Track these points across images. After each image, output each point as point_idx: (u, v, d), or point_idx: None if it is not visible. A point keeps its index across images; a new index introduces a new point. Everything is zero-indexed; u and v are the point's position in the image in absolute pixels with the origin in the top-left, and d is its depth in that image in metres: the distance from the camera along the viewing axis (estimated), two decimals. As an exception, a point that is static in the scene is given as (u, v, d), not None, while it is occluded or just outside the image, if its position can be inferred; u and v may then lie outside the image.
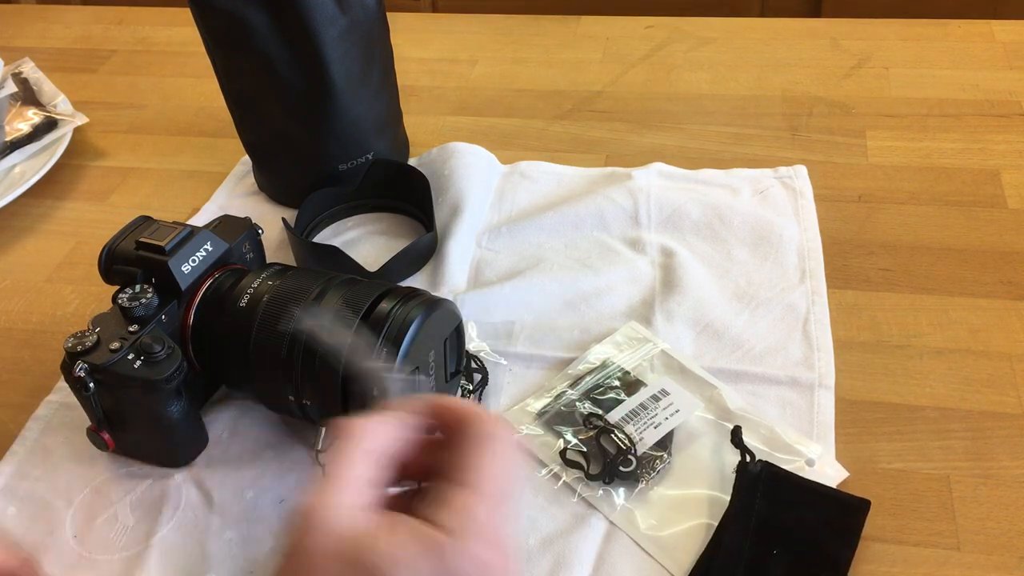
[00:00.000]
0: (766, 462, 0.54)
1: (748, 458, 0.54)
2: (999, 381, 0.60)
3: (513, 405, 0.61)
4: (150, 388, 0.52)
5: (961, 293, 0.67)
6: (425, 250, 0.73)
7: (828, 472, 0.55)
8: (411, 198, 0.77)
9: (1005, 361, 0.62)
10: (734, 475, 0.54)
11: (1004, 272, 0.68)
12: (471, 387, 0.61)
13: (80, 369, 0.52)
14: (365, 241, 0.76)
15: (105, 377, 0.52)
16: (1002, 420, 0.58)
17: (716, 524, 0.52)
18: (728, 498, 0.53)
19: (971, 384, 0.60)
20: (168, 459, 0.58)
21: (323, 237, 0.77)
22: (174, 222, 0.58)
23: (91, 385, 0.52)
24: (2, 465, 0.59)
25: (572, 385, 0.61)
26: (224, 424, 0.60)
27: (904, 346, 0.63)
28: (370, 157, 0.77)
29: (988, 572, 0.50)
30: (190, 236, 0.56)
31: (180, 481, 0.57)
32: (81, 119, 0.90)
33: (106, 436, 0.56)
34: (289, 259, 0.73)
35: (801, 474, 0.54)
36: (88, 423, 0.56)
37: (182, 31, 1.10)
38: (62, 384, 0.64)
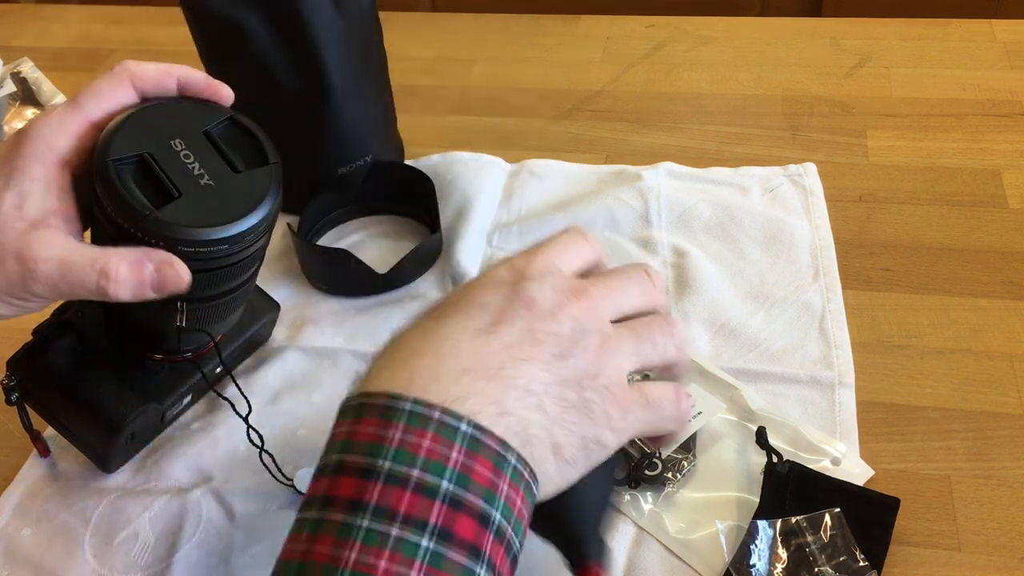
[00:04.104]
0: (793, 462, 0.54)
1: (775, 459, 0.55)
2: (1000, 381, 0.60)
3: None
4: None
5: (962, 293, 0.67)
6: (433, 251, 0.73)
7: (855, 471, 0.55)
8: (414, 199, 0.77)
9: (1006, 361, 0.62)
10: (761, 476, 0.54)
11: (1005, 272, 0.68)
12: None
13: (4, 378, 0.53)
14: (369, 244, 0.76)
15: (23, 370, 0.53)
16: (1003, 420, 0.58)
17: (746, 526, 0.52)
18: (756, 499, 0.53)
19: (972, 384, 0.60)
20: (98, 459, 0.57)
21: (326, 241, 0.76)
22: None
23: (14, 397, 0.53)
24: (14, 485, 0.59)
25: None
26: (241, 436, 0.58)
27: (904, 346, 0.63)
28: (368, 160, 0.77)
29: (989, 572, 0.51)
30: None
31: (199, 496, 0.57)
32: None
33: (39, 445, 0.57)
34: (292, 265, 0.73)
35: (828, 473, 0.54)
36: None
37: (181, 31, 1.10)
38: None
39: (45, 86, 0.95)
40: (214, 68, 0.73)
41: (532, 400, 0.34)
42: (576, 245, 0.41)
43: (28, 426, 0.56)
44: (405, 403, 0.32)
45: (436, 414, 0.32)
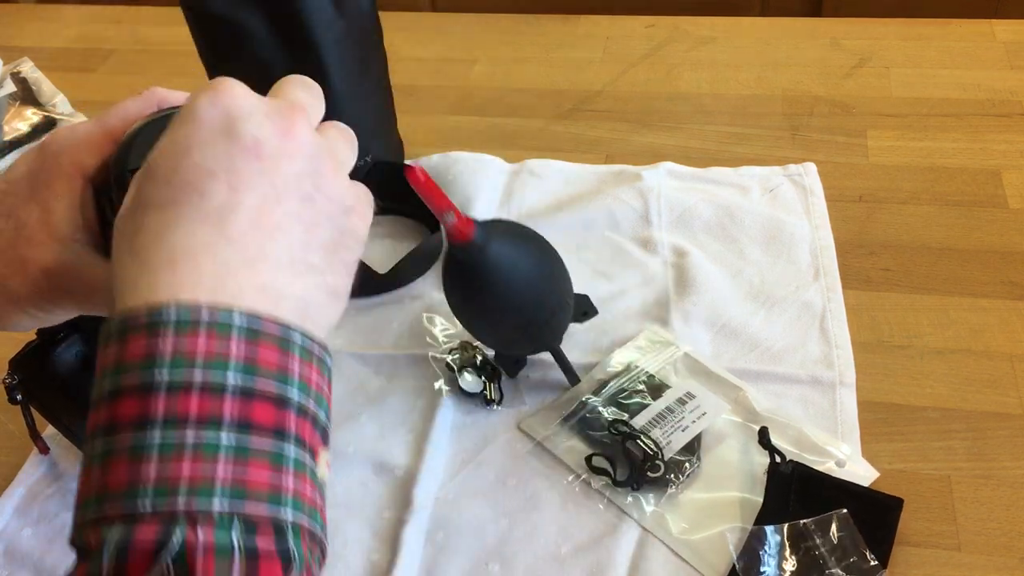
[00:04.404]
0: (797, 462, 0.54)
1: (778, 459, 0.55)
2: (1000, 381, 0.60)
3: (536, 411, 0.61)
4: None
5: (961, 293, 0.67)
6: (433, 251, 0.73)
7: (859, 472, 0.55)
8: (413, 199, 0.77)
9: (1006, 361, 0.62)
10: (765, 477, 0.54)
11: (1005, 272, 0.68)
12: (491, 396, 0.61)
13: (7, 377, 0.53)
14: (370, 244, 0.75)
15: (25, 370, 0.53)
16: (1003, 420, 0.58)
17: (750, 527, 0.52)
18: (760, 500, 0.53)
19: (972, 384, 0.60)
20: None
21: (325, 239, 0.76)
22: None
23: (19, 397, 0.53)
24: (14, 485, 0.59)
25: (596, 391, 0.61)
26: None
27: (904, 346, 0.63)
28: (368, 160, 0.77)
29: (989, 572, 0.51)
30: None
31: None
32: (80, 119, 0.90)
33: (39, 443, 0.57)
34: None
35: (832, 474, 0.54)
36: None
37: (181, 30, 1.10)
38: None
39: (45, 86, 0.95)
40: (214, 68, 0.73)
41: (300, 267, 0.34)
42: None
43: (31, 425, 0.56)
44: (170, 311, 0.30)
45: (205, 315, 0.30)
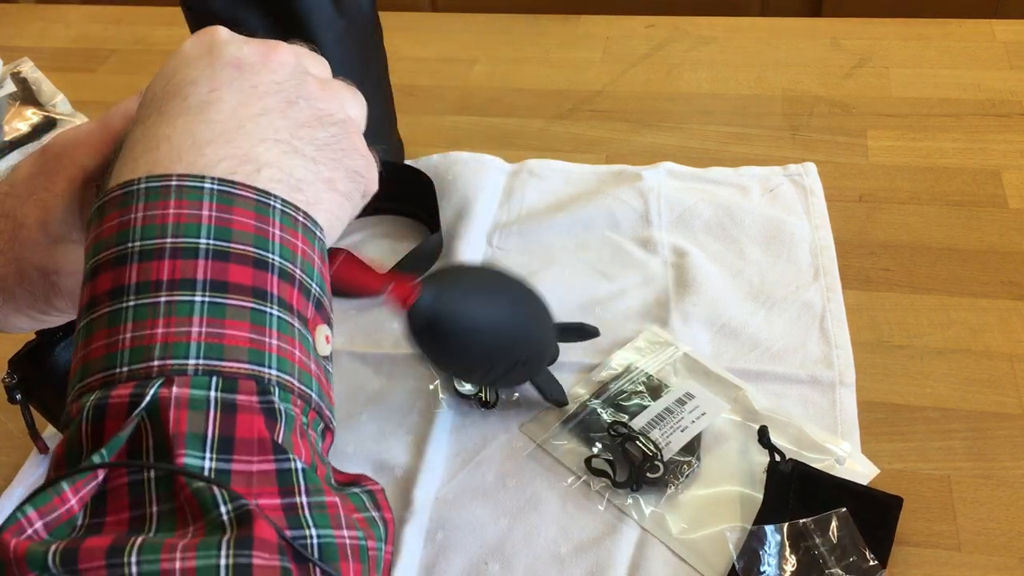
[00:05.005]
0: (796, 461, 0.55)
1: (778, 458, 0.55)
2: (1000, 381, 0.60)
3: (536, 414, 0.61)
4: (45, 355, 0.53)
5: (961, 293, 0.67)
6: (433, 251, 0.73)
7: (859, 470, 0.55)
8: (413, 199, 0.77)
9: (1006, 361, 0.62)
10: (765, 476, 0.54)
11: (1004, 272, 0.68)
12: (486, 399, 0.61)
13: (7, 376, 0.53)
14: (370, 244, 0.76)
15: (25, 369, 0.53)
16: (1003, 420, 0.58)
17: (749, 526, 0.52)
18: (759, 499, 0.53)
19: (972, 384, 0.60)
20: None
21: (327, 241, 0.76)
22: None
23: (18, 396, 0.53)
24: (14, 484, 0.59)
25: (596, 393, 0.61)
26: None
27: (904, 346, 0.63)
28: (369, 158, 0.77)
29: (989, 572, 0.51)
30: None
31: None
32: (80, 119, 0.90)
33: (39, 443, 0.57)
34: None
35: (832, 472, 0.54)
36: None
37: (181, 31, 1.10)
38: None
39: (45, 86, 0.95)
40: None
41: (285, 147, 0.34)
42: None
43: (31, 424, 0.56)
44: (139, 184, 0.30)
45: (175, 181, 0.30)
